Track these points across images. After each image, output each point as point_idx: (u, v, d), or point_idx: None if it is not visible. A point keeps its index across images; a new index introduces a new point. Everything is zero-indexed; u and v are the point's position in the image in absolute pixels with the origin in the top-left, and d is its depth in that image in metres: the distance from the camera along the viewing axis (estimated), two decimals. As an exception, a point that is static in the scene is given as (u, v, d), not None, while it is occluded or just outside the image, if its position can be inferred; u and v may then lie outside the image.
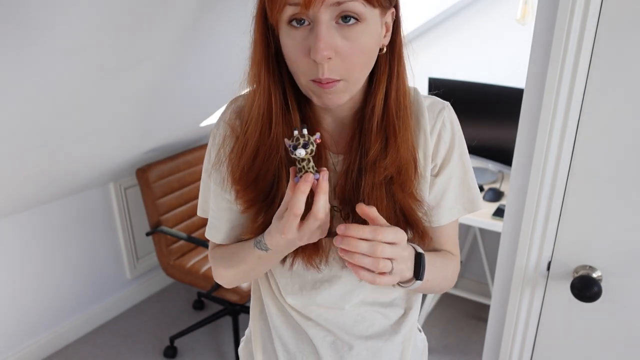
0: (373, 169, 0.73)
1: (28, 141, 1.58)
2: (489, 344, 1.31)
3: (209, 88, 1.95)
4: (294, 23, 0.64)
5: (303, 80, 0.67)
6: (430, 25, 2.49)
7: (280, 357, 0.88)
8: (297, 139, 0.63)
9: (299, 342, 0.87)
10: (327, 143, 0.78)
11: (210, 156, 0.83)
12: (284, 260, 0.81)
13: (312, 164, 0.64)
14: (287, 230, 0.65)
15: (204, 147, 2.60)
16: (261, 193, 0.76)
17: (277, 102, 0.72)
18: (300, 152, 0.62)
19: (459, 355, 2.38)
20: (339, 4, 0.61)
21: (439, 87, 1.23)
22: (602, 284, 1.04)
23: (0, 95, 1.27)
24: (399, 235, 0.66)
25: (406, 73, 0.75)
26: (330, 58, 0.63)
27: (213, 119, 2.38)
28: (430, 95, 0.82)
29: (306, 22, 0.63)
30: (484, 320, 2.58)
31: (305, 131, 0.63)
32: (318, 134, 0.64)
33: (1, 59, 1.12)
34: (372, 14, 0.65)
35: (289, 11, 0.63)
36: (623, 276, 1.04)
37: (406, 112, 0.74)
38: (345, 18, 0.63)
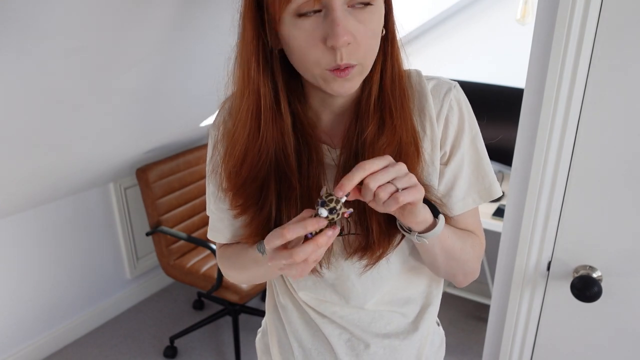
0: (371, 151, 0.71)
1: (28, 141, 1.58)
2: (489, 344, 1.30)
3: (208, 87, 1.95)
4: (305, 11, 0.61)
5: (316, 70, 0.65)
6: (430, 25, 2.49)
7: (295, 353, 0.87)
8: (331, 200, 0.61)
9: (314, 339, 0.86)
10: (324, 137, 0.77)
11: (208, 158, 0.83)
12: None
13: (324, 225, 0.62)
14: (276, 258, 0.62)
15: (204, 147, 2.60)
16: (250, 198, 0.74)
17: (267, 103, 0.70)
18: (322, 212, 0.61)
19: (459, 355, 2.38)
20: None
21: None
22: (602, 284, 1.04)
23: (0, 97, 1.27)
24: (383, 161, 0.61)
25: (400, 54, 0.72)
26: (349, 43, 0.61)
27: (213, 118, 2.38)
28: (435, 76, 0.77)
29: (317, 10, 0.61)
30: (484, 320, 2.58)
31: (343, 200, 0.61)
32: (351, 210, 0.62)
33: (0, 60, 1.12)
34: None
35: (298, 1, 0.60)
36: (623, 276, 1.04)
37: (403, 93, 0.72)
38: (358, 2, 0.61)
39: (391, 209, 0.61)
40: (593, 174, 1.01)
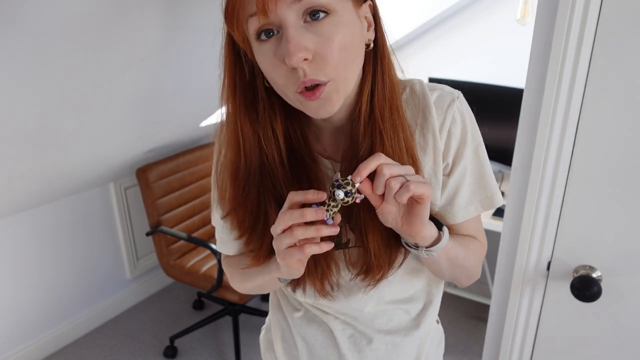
0: None
1: (27, 141, 1.58)
2: (489, 344, 1.31)
3: (208, 87, 1.95)
4: (263, 36, 0.61)
5: (290, 93, 0.63)
6: (431, 25, 2.49)
7: (299, 347, 0.88)
8: (348, 183, 0.61)
9: (318, 334, 0.87)
10: (328, 152, 0.77)
11: (213, 168, 0.84)
12: (294, 287, 0.80)
13: (335, 210, 0.63)
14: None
15: (204, 147, 2.60)
16: (250, 218, 0.75)
17: (246, 136, 0.71)
18: (339, 194, 0.61)
19: (459, 355, 2.38)
20: (299, 0, 0.58)
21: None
22: (602, 284, 1.04)
23: (0, 96, 1.27)
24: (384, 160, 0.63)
25: (393, 69, 0.71)
26: (306, 59, 0.59)
27: (213, 119, 2.38)
28: (438, 86, 0.76)
29: (275, 32, 0.60)
30: (484, 320, 2.58)
31: (357, 185, 0.62)
32: (362, 196, 0.63)
33: (0, 60, 1.12)
34: (342, 6, 0.61)
35: (251, 24, 0.60)
36: (623, 276, 1.04)
37: (398, 113, 0.70)
38: (313, 14, 0.59)
39: (403, 199, 0.61)
40: (593, 174, 1.01)
